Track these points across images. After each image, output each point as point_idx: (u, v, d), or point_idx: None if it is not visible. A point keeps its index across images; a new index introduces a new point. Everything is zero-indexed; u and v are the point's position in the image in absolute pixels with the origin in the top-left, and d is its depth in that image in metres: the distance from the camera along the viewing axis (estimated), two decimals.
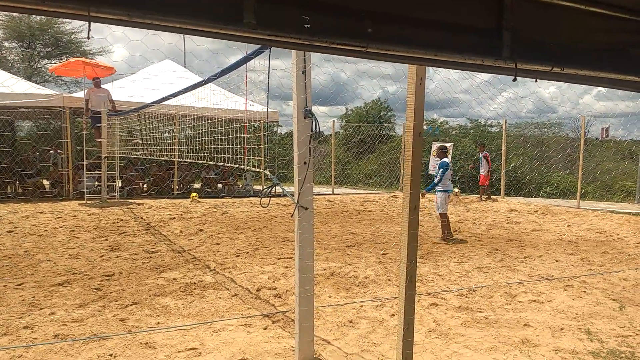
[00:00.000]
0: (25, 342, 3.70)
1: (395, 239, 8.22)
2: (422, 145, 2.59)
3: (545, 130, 21.32)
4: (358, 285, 5.44)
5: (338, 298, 4.99)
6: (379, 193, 17.18)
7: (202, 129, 7.60)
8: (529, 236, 8.89)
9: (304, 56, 2.86)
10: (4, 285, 5.16)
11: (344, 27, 1.57)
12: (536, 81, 2.13)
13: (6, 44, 25.30)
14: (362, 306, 4.73)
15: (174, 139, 12.56)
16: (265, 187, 4.04)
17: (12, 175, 13.54)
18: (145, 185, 15.11)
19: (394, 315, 4.47)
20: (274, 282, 5.51)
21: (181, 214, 10.71)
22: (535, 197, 16.54)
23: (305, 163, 3.04)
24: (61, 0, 1.23)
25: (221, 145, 6.42)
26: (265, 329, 4.08)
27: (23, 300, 4.69)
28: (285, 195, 3.29)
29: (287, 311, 4.54)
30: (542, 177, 18.00)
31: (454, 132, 23.55)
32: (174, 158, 12.34)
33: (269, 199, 3.44)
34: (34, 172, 14.07)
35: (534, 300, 5.00)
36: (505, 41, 1.82)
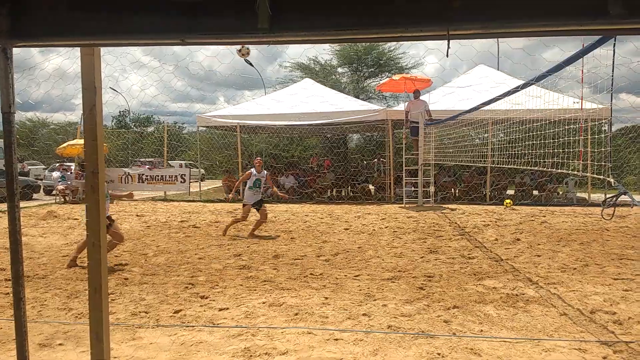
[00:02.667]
0: (365, 328, 4.23)
1: None
2: None
3: None
4: None
5: None
6: None
7: (520, 134, 7.23)
8: None
9: None
10: (345, 275, 6.07)
11: None
12: None
13: (339, 69, 30.13)
14: None
15: (487, 145, 12.39)
16: (610, 196, 3.46)
17: (345, 181, 15.97)
18: (457, 191, 15.44)
19: None
20: (611, 305, 4.75)
21: (495, 221, 10.47)
22: None
23: None
24: (423, 25, 1.34)
25: (542, 149, 5.96)
26: (604, 358, 3.55)
27: (360, 290, 5.40)
28: (635, 205, 2.77)
29: (631, 342, 3.83)
30: None
31: None
32: (487, 164, 12.17)
33: (613, 210, 2.96)
34: (362, 179, 16.22)
35: None
36: None
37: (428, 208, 12.82)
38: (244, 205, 9.16)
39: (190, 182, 16.98)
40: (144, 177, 16.66)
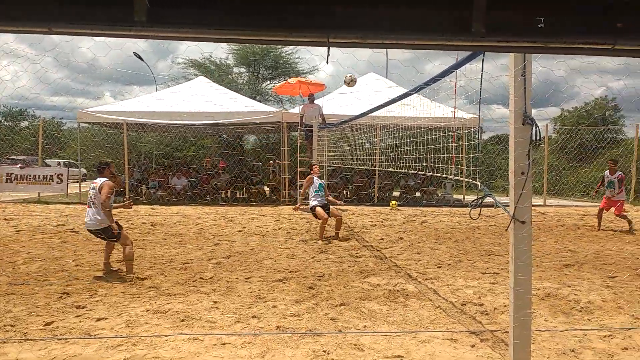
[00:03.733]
0: (254, 330, 4.21)
1: (627, 260, 7.04)
2: None
3: None
4: (580, 311, 4.80)
5: (556, 323, 4.48)
6: None
7: (403, 139, 7.70)
8: None
9: (524, 58, 2.65)
10: (236, 278, 5.99)
11: (585, 24, 1.39)
12: None
13: (235, 69, 29.76)
14: (585, 334, 4.16)
15: (375, 148, 13.01)
16: (476, 197, 3.85)
17: (240, 182, 15.79)
18: (347, 193, 15.99)
19: (627, 349, 3.82)
20: (479, 297, 5.24)
21: (382, 222, 11.01)
22: None
23: (523, 174, 2.80)
24: (305, 31, 1.37)
25: (423, 154, 6.40)
26: (472, 346, 3.89)
27: (251, 292, 5.37)
28: (497, 206, 3.09)
29: (496, 330, 4.26)
30: None
31: None
32: (375, 167, 12.77)
33: (479, 210, 3.27)
34: (258, 180, 16.14)
35: None
36: None
37: None
38: (316, 209, 8.78)
39: (68, 182, 15.62)
40: (13, 176, 15.00)
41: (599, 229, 9.99)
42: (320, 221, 8.73)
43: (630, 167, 15.32)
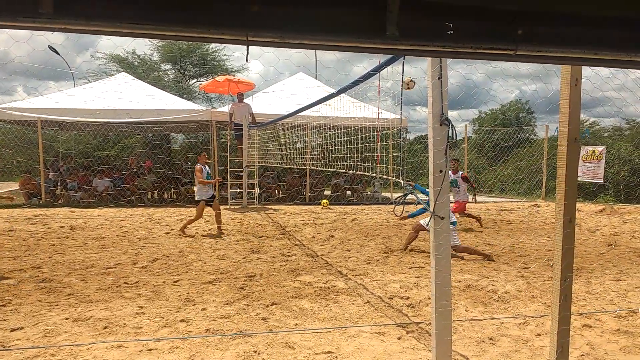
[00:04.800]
0: (182, 334, 4.11)
1: (538, 252, 7.60)
2: (578, 152, 2.36)
3: None
4: (497, 300, 5.12)
5: (475, 313, 4.75)
6: (517, 201, 16.03)
7: (332, 139, 7.83)
8: None
9: (441, 62, 2.79)
10: (163, 282, 5.81)
11: (490, 31, 1.50)
12: None
13: (162, 66, 28.70)
14: (502, 323, 4.45)
15: (306, 148, 13.10)
16: (399, 195, 4.02)
17: (168, 183, 15.27)
18: (279, 192, 15.97)
19: (540, 335, 4.13)
20: (406, 291, 5.44)
21: (313, 220, 11.11)
22: None
23: (441, 172, 2.95)
24: (224, 28, 1.36)
25: (351, 153, 6.54)
26: (399, 338, 4.04)
27: (179, 295, 5.23)
28: (419, 204, 3.23)
29: (421, 322, 4.45)
30: None
31: (606, 134, 21.15)
32: (306, 165, 12.86)
33: (402, 207, 3.40)
34: (186, 180, 15.69)
35: None
36: None
37: (253, 209, 13.01)
38: (198, 202, 8.96)
39: None
40: None
41: None
42: (195, 216, 9.16)
43: (542, 165, 16.53)
